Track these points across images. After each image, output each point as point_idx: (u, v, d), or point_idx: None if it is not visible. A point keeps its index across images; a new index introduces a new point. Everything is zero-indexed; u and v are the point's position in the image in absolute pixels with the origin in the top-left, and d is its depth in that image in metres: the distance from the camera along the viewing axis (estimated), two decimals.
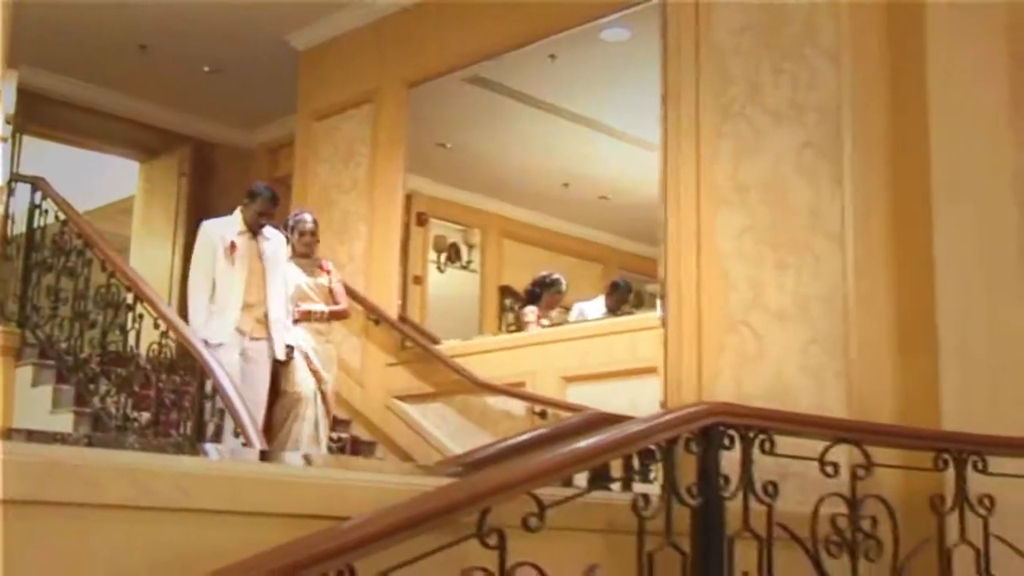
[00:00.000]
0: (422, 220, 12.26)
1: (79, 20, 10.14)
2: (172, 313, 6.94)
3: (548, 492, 2.74)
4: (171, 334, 6.64)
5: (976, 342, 4.37)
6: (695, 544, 3.08)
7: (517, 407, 8.09)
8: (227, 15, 10.11)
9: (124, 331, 7.20)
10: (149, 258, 12.26)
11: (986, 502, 3.58)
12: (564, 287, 10.11)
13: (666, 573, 3.02)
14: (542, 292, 9.83)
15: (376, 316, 8.95)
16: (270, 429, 7.30)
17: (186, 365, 6.64)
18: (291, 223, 7.94)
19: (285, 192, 10.49)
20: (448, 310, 12.35)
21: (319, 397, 7.61)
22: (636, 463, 3.45)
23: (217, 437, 6.44)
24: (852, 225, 4.37)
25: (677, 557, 3.04)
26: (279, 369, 7.39)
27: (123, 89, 11.94)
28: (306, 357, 7.59)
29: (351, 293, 8.49)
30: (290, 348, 7.35)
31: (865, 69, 4.58)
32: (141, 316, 6.96)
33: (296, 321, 7.60)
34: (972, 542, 3.56)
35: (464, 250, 13.18)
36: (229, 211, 7.60)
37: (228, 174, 13.10)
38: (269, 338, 7.14)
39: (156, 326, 6.76)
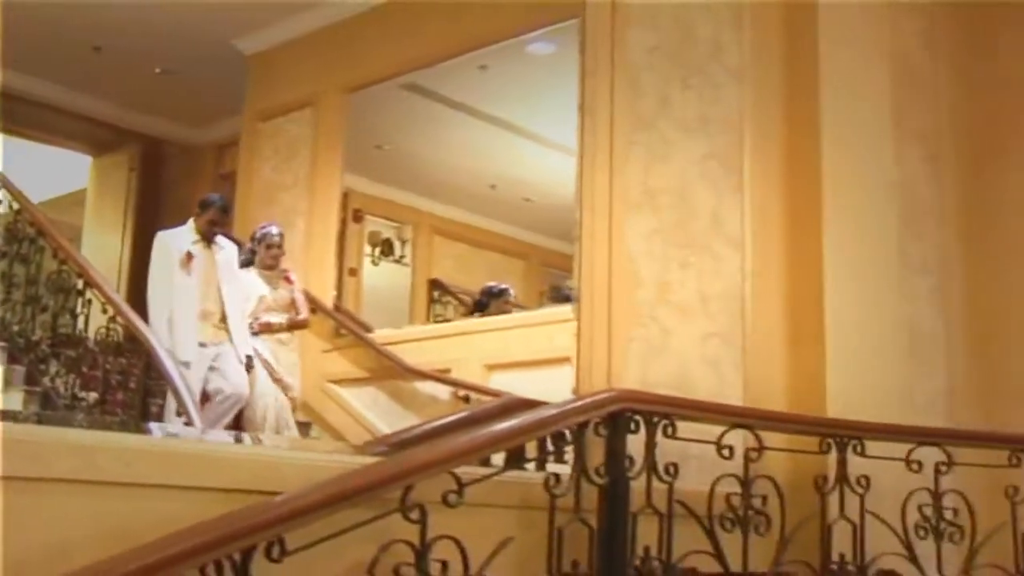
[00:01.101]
0: (358, 216, 12.31)
1: (38, 21, 9.95)
2: (120, 299, 6.81)
3: (467, 471, 2.77)
4: (119, 319, 6.54)
5: (859, 336, 4.46)
6: (602, 520, 3.11)
7: (443, 392, 8.12)
8: (178, 20, 10.00)
9: (74, 315, 7.05)
10: (100, 247, 12.10)
11: (863, 482, 3.64)
12: (512, 296, 9.92)
13: (574, 546, 3.06)
14: (489, 301, 9.58)
15: (313, 305, 8.89)
16: None
17: (132, 348, 6.55)
18: (258, 236, 7.70)
19: (231, 188, 10.46)
20: (381, 301, 12.36)
21: (284, 405, 7.34)
22: (550, 445, 3.47)
23: (160, 417, 6.38)
24: (750, 229, 4.43)
25: (585, 531, 3.08)
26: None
27: (78, 87, 11.78)
28: (268, 366, 7.32)
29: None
30: (249, 357, 7.05)
31: (765, 88, 4.65)
32: (90, 301, 6.83)
33: (256, 333, 7.33)
34: (850, 518, 3.63)
35: (397, 245, 13.26)
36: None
37: (176, 170, 12.99)
38: (231, 341, 6.88)
39: (104, 311, 6.64)
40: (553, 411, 3.07)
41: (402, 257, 13.34)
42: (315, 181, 9.59)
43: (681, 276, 4.38)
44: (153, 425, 5.86)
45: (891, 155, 4.84)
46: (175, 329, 6.64)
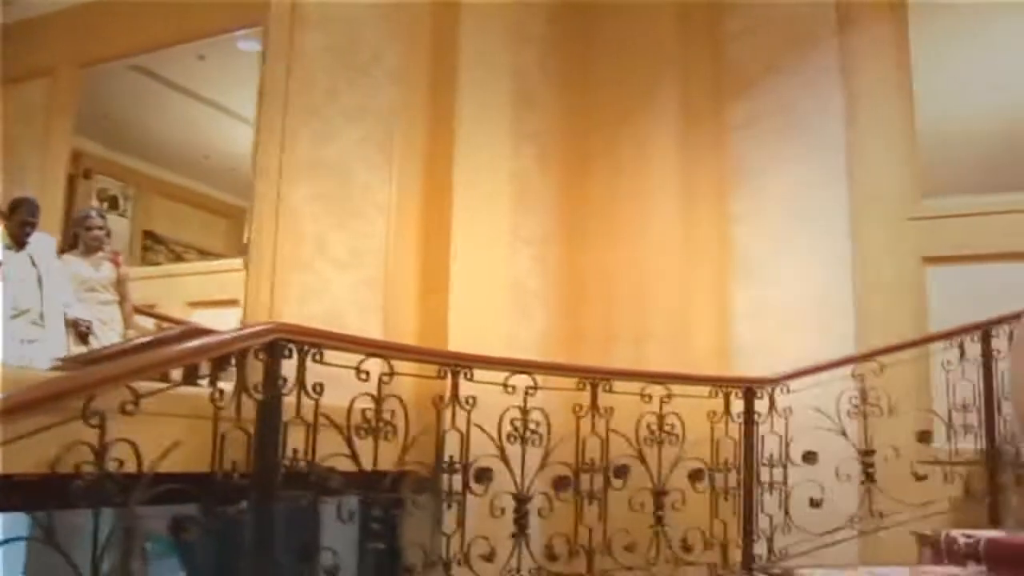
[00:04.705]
0: (88, 174, 11.91)
1: None
2: None
3: (146, 385, 2.74)
4: None
5: (476, 290, 4.72)
6: (258, 428, 3.11)
7: (150, 323, 7.91)
8: None
9: None
10: None
11: (471, 401, 3.78)
12: None
13: (235, 449, 3.07)
14: None
15: None
16: None
17: None
18: (79, 219, 6.82)
19: None
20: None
21: None
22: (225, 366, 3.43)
23: None
24: (395, 200, 4.58)
25: (244, 437, 3.09)
26: None
27: None
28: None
29: None
30: (89, 323, 6.18)
31: (414, 90, 4.81)
32: None
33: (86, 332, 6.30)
34: (459, 428, 3.78)
35: (121, 201, 12.95)
36: None
37: None
38: (48, 338, 5.89)
39: None
40: (220, 338, 3.06)
41: (125, 211, 13.05)
42: (48, 142, 9.21)
43: (338, 234, 4.43)
44: None
45: (509, 150, 5.12)
46: None
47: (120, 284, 6.82)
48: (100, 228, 6.75)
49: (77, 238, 6.78)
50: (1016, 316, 4.25)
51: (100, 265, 6.75)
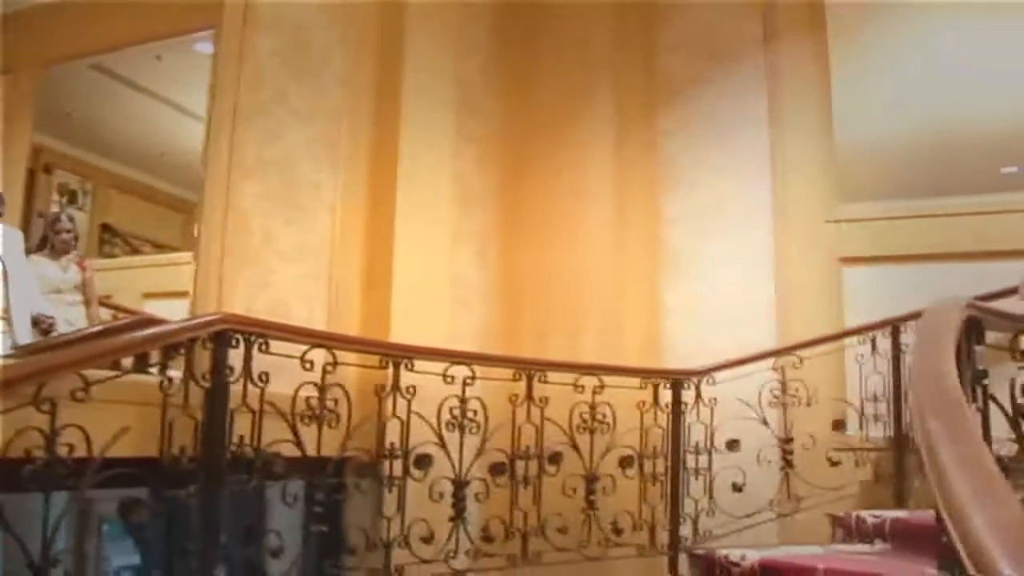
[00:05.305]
0: (48, 169, 11.80)
1: None
2: None
3: (96, 373, 2.75)
4: None
5: (418, 284, 4.78)
6: (206, 415, 3.13)
7: (106, 314, 7.82)
8: None
9: None
10: None
11: (411, 390, 3.80)
12: None
13: (183, 435, 3.08)
14: None
15: None
16: None
17: None
18: (49, 221, 6.67)
19: None
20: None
21: None
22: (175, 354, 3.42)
23: None
24: (341, 197, 4.62)
25: (192, 424, 3.09)
26: None
27: None
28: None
29: None
30: (51, 321, 5.85)
31: (361, 93, 4.85)
32: None
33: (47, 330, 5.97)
34: (400, 416, 3.80)
35: (80, 195, 12.86)
36: None
37: None
38: (10, 328, 5.56)
39: None
40: (169, 328, 3.08)
41: (84, 205, 12.95)
42: (9, 138, 9.02)
43: (285, 230, 4.45)
44: None
45: (452, 152, 5.18)
46: None
47: (86, 287, 6.69)
48: (69, 231, 6.64)
49: (46, 240, 6.66)
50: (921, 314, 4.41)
51: (67, 268, 6.63)
